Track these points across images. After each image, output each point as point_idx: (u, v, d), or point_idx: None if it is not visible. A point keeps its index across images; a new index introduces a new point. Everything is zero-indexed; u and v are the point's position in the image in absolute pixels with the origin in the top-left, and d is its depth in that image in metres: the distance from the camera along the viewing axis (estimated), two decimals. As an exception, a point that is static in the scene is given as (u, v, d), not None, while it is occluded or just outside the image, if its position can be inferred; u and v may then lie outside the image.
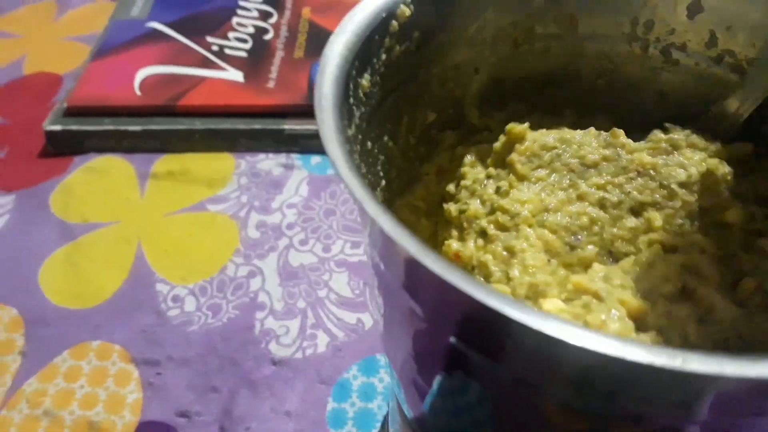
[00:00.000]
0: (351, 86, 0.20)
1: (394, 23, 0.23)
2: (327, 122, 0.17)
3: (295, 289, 0.42)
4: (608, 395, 0.17)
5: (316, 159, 0.50)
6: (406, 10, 0.23)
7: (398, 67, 0.24)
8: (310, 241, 0.45)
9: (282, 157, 0.50)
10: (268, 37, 0.57)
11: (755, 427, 0.18)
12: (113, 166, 0.50)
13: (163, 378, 0.38)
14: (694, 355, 0.13)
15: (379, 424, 0.36)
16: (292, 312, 0.40)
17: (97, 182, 0.49)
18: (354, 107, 0.21)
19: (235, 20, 0.58)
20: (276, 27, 0.58)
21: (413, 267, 0.17)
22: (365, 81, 0.22)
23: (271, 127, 0.50)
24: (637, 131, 0.26)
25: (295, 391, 0.37)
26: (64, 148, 0.51)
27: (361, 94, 0.22)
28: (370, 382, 0.37)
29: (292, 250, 0.44)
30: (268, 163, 0.50)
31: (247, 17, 0.59)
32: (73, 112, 0.51)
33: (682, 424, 0.17)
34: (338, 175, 0.17)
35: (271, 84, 0.52)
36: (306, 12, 0.59)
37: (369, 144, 0.23)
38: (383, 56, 0.23)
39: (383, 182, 0.26)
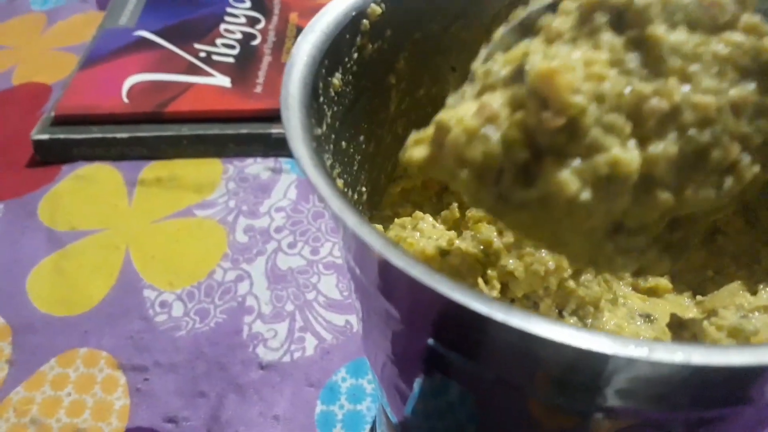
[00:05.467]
0: (321, 85, 0.20)
1: (365, 22, 0.23)
2: (293, 121, 0.17)
3: (283, 293, 0.42)
4: (593, 391, 0.16)
5: (304, 163, 0.50)
6: (377, 9, 0.23)
7: (371, 65, 0.24)
8: (298, 245, 0.44)
9: (270, 162, 0.50)
10: (255, 42, 0.57)
11: (743, 416, 0.18)
12: (101, 173, 0.50)
13: (150, 384, 0.37)
14: (696, 348, 0.13)
15: (368, 426, 0.36)
16: (280, 315, 0.40)
17: (85, 190, 0.49)
18: (325, 106, 0.21)
19: (222, 27, 0.58)
20: (263, 32, 0.58)
21: (385, 268, 0.17)
22: (336, 80, 0.22)
23: (258, 132, 0.50)
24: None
25: (284, 395, 0.37)
26: (52, 157, 0.51)
27: (333, 94, 0.22)
28: (359, 384, 0.37)
29: (281, 253, 0.44)
30: (256, 167, 0.50)
31: (235, 23, 0.59)
32: (60, 121, 0.51)
33: (666, 416, 0.17)
34: (304, 173, 0.17)
35: (258, 89, 0.52)
36: (293, 17, 0.60)
37: (344, 144, 0.23)
38: (355, 55, 0.23)
39: (364, 182, 0.26)
